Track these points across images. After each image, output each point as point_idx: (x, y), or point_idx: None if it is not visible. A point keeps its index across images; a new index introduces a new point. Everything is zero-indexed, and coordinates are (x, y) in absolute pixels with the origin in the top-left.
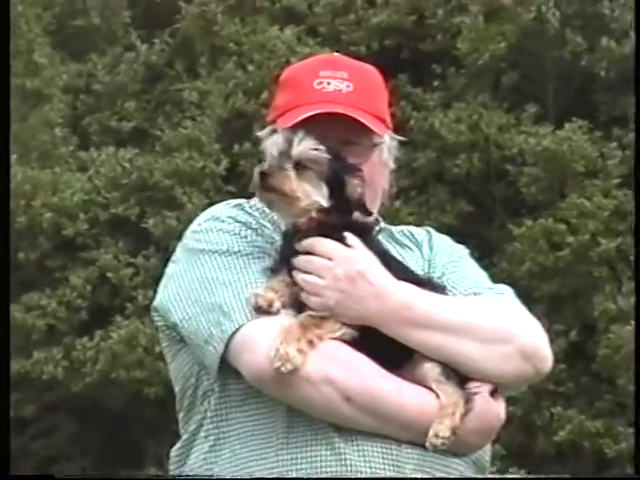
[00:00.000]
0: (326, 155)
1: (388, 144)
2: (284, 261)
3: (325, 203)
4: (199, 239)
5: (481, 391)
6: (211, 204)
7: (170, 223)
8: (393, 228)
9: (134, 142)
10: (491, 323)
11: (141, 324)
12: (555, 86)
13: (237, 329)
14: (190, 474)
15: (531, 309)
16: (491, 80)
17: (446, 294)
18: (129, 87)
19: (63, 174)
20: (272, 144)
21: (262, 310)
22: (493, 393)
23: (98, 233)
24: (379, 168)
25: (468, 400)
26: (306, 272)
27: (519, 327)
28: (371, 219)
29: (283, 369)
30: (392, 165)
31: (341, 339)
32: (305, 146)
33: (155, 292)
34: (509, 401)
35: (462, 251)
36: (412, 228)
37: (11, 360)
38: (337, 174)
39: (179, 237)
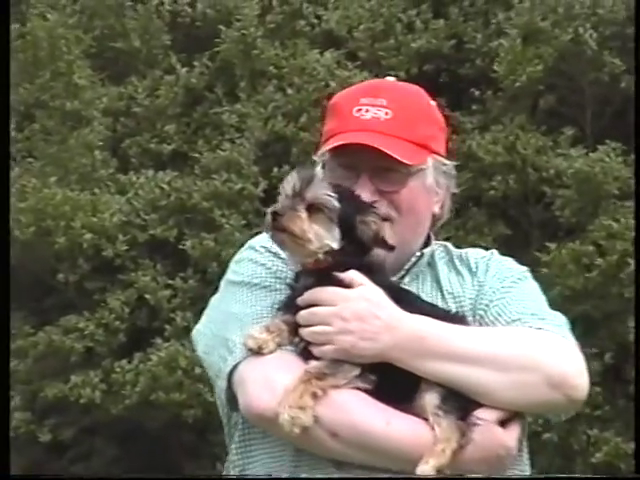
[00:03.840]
0: (337, 202)
1: (433, 168)
2: (292, 302)
3: (336, 246)
4: (233, 269)
5: (483, 421)
6: (248, 225)
7: (208, 245)
8: (454, 252)
9: (173, 165)
10: (512, 352)
11: (180, 346)
12: (593, 108)
13: (235, 366)
14: None
15: None
16: (528, 103)
17: (467, 325)
18: (169, 110)
19: (102, 196)
20: (287, 183)
21: (253, 351)
22: (505, 422)
23: (137, 255)
24: (422, 194)
25: (466, 432)
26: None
27: (546, 355)
28: (382, 255)
29: (296, 430)
30: (439, 190)
31: (348, 387)
32: (319, 189)
33: (193, 314)
34: (545, 427)
35: (520, 274)
36: (472, 252)
37: (49, 384)
38: (349, 217)
39: (216, 258)
